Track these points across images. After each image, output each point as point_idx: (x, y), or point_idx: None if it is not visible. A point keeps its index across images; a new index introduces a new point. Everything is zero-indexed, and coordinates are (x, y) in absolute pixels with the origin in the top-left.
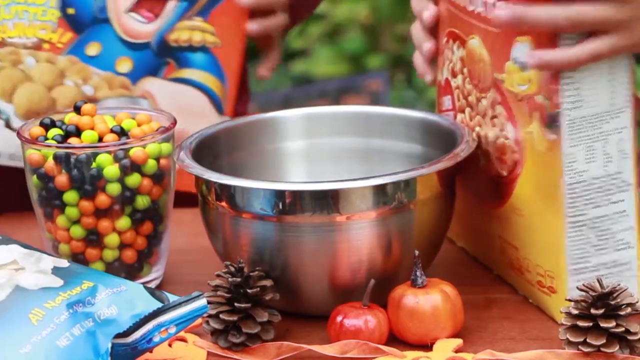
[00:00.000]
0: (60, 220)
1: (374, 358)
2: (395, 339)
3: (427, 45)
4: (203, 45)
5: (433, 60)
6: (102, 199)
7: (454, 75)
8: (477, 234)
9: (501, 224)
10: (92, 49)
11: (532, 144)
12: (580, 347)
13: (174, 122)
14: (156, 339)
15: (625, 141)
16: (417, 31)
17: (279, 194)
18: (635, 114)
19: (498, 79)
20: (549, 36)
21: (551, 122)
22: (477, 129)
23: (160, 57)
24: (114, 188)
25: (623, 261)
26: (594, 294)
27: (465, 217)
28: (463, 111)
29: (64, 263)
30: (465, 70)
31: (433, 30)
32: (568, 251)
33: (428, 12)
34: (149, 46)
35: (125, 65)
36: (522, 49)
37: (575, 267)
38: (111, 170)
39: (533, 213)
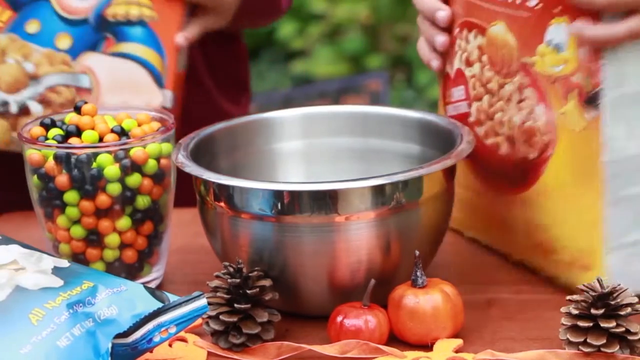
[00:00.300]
0: (61, 220)
1: (374, 358)
2: (395, 339)
3: (441, 38)
4: (141, 20)
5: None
6: (102, 199)
7: (469, 64)
8: (493, 222)
9: (527, 207)
10: (32, 27)
11: (567, 124)
12: (580, 347)
13: (175, 122)
14: (156, 339)
15: None
16: (427, 26)
17: (278, 194)
18: None
19: (527, 62)
20: (586, 17)
21: (590, 100)
22: (499, 115)
23: (99, 32)
24: (114, 188)
25: None
26: (594, 294)
27: (477, 207)
28: (480, 99)
29: (64, 263)
30: (484, 57)
31: (446, 28)
32: (606, 228)
33: (444, 12)
34: (87, 22)
35: (64, 41)
36: (558, 30)
37: (613, 244)
38: (112, 170)
39: (566, 193)
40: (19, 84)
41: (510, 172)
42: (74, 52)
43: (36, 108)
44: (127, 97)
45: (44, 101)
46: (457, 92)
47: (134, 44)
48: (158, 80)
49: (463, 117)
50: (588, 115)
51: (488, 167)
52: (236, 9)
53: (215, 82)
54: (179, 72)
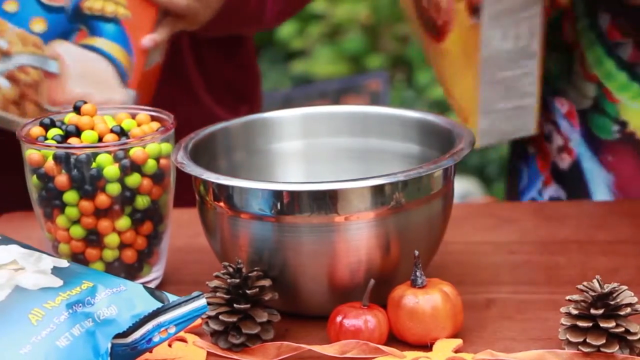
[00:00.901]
0: (60, 220)
1: (374, 358)
2: (395, 339)
3: None
4: (115, 17)
5: None
6: (102, 199)
7: None
8: (426, 55)
9: (439, 56)
10: (10, 6)
11: (459, 18)
12: (580, 347)
13: (174, 122)
14: (156, 339)
15: (536, 23)
16: None
17: (277, 194)
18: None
19: None
20: None
21: (474, 11)
22: None
23: (73, 23)
24: (114, 188)
25: (524, 105)
26: (593, 294)
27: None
28: None
29: (64, 263)
30: None
31: None
32: (480, 99)
33: None
34: (64, 10)
35: (39, 25)
36: None
37: (483, 110)
38: (111, 170)
39: (458, 65)
40: None
41: (433, 26)
42: (47, 37)
43: (4, 83)
44: (91, 89)
45: (11, 78)
46: None
47: (104, 39)
48: (122, 77)
49: None
50: (472, 21)
51: (423, 16)
52: (213, 16)
53: (210, 90)
54: (147, 70)
